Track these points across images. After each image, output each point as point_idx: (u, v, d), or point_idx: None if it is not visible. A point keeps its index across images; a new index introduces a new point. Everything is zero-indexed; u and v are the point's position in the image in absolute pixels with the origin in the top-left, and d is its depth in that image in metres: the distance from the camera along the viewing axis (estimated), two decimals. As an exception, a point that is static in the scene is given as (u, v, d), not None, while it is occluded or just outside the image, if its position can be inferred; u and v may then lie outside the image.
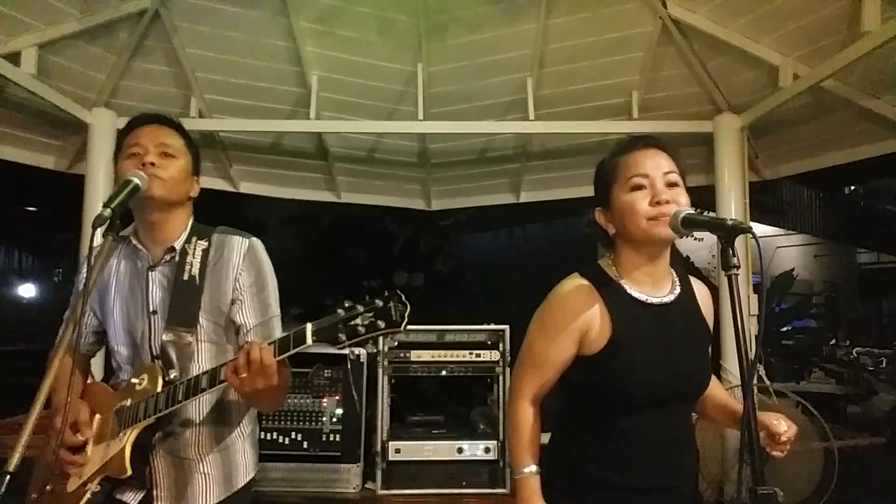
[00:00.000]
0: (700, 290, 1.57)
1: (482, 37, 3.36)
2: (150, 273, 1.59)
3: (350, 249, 8.95)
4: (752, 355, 1.39)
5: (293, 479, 2.77)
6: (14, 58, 2.97)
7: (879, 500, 3.94)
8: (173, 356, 1.53)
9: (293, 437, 2.82)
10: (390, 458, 2.78)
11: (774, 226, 10.75)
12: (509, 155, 4.23)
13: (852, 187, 13.81)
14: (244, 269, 1.58)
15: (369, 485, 2.81)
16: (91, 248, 1.51)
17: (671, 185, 1.40)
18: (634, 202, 1.39)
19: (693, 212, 1.53)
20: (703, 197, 3.97)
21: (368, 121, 3.83)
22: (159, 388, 1.47)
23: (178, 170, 1.59)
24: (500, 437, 2.81)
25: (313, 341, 1.31)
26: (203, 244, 1.60)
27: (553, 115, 3.71)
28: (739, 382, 1.47)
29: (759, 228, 8.21)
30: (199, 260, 1.57)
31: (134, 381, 1.52)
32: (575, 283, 1.46)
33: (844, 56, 2.61)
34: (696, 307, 1.54)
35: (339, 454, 2.80)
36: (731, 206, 3.42)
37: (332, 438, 2.82)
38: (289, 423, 2.83)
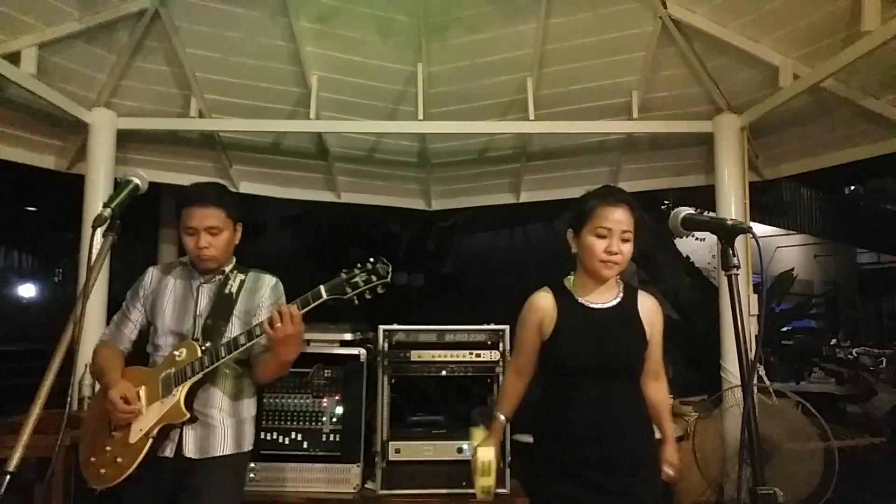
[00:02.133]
0: (645, 302, 1.96)
1: (482, 37, 3.36)
2: (200, 287, 2.10)
3: (350, 249, 8.94)
4: (752, 355, 1.39)
5: (293, 479, 2.78)
6: (14, 58, 2.97)
7: (879, 500, 3.94)
8: (208, 333, 2.02)
9: (293, 437, 2.82)
10: (390, 458, 2.78)
11: (774, 226, 10.74)
12: (509, 155, 4.23)
13: (852, 187, 13.79)
14: (269, 296, 2.14)
15: (369, 485, 2.81)
16: (91, 248, 1.52)
17: (624, 240, 1.85)
18: (595, 245, 1.85)
19: (693, 212, 1.55)
20: (704, 197, 3.98)
21: (368, 121, 3.83)
22: (199, 354, 1.95)
23: (223, 243, 2.06)
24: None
25: (327, 295, 1.88)
26: (241, 276, 2.14)
27: (553, 115, 3.71)
28: (739, 382, 1.47)
29: (759, 228, 8.21)
30: (236, 285, 2.12)
31: (175, 352, 1.99)
32: (540, 292, 1.98)
33: (844, 56, 2.61)
34: (634, 312, 1.93)
35: (339, 454, 2.80)
36: (731, 206, 3.42)
37: (332, 438, 2.82)
38: (289, 423, 2.83)
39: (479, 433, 2.05)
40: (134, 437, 1.93)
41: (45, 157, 3.83)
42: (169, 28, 3.22)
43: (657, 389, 2.02)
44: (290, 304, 1.88)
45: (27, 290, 13.57)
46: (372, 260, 1.91)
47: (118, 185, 1.62)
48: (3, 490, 1.13)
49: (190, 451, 1.97)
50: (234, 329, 2.05)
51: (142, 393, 1.98)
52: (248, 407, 2.13)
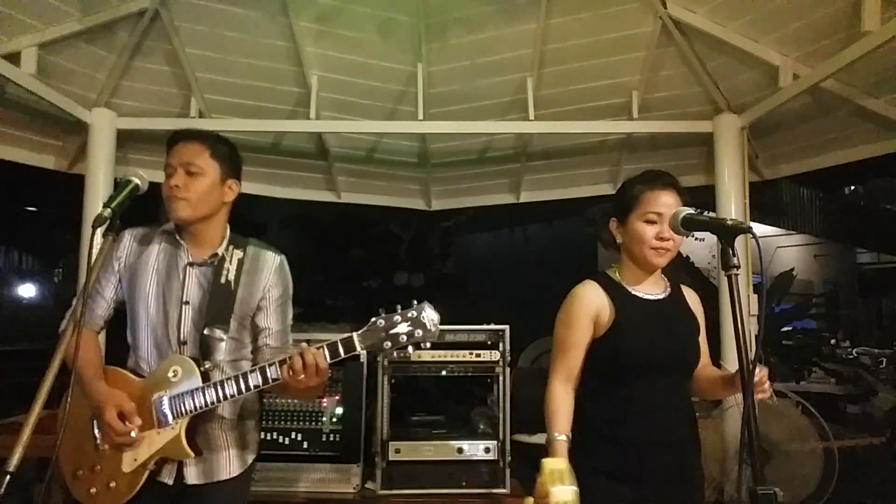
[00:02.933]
0: (689, 294, 1.92)
1: (482, 37, 3.36)
2: (188, 269, 1.77)
3: (350, 250, 8.95)
4: (752, 355, 1.39)
5: (293, 479, 2.77)
6: (14, 58, 2.97)
7: (879, 500, 3.94)
8: (206, 348, 1.72)
9: (293, 437, 2.81)
10: (390, 458, 2.77)
11: (774, 226, 10.73)
12: (509, 155, 4.23)
13: (852, 187, 13.80)
14: (274, 284, 1.82)
15: (369, 485, 2.81)
16: (91, 248, 1.51)
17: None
18: (645, 232, 1.75)
19: (693, 212, 1.55)
20: (703, 197, 3.98)
21: (368, 121, 3.83)
22: (200, 382, 1.66)
23: (201, 187, 1.74)
24: (500, 436, 2.81)
25: (361, 348, 1.54)
26: (239, 254, 1.81)
27: (553, 115, 3.71)
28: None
29: (759, 228, 8.21)
30: (234, 267, 1.78)
31: (169, 374, 1.68)
32: (586, 284, 1.83)
33: (844, 56, 2.61)
34: (685, 303, 1.88)
35: (339, 454, 2.80)
36: (731, 206, 3.41)
37: (332, 438, 2.82)
38: (289, 423, 2.83)
39: (551, 465, 1.64)
40: (128, 467, 1.67)
41: (45, 157, 3.83)
42: (169, 28, 3.22)
43: (710, 365, 1.91)
44: (319, 346, 1.57)
45: (27, 290, 13.58)
46: (418, 305, 1.55)
47: (118, 185, 1.61)
48: (2, 490, 1.13)
49: (192, 477, 1.74)
50: (231, 330, 1.77)
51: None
52: (250, 407, 1.88)
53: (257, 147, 4.10)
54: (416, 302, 1.56)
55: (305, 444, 2.81)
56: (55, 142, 3.78)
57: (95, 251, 1.48)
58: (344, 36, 3.34)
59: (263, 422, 2.76)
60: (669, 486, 1.72)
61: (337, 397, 2.85)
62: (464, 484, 2.76)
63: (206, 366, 1.71)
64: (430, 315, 1.54)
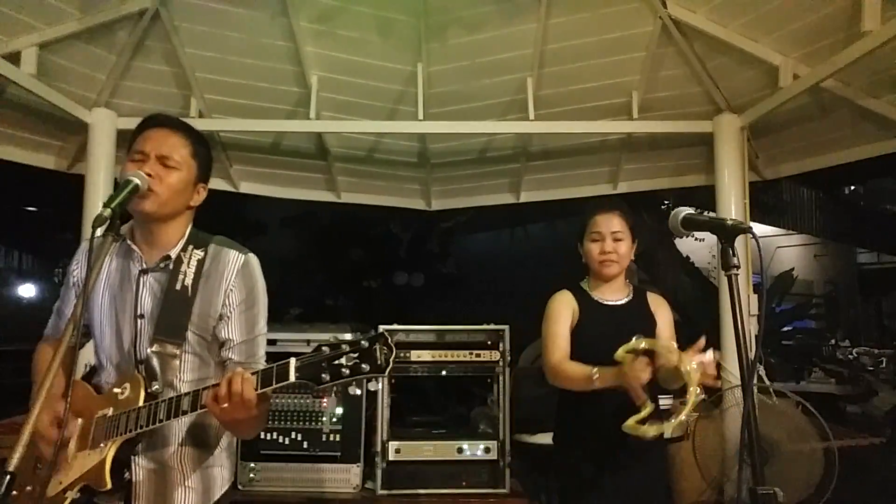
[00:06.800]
0: (653, 299, 2.26)
1: (482, 37, 3.36)
2: (142, 277, 1.57)
3: (350, 250, 8.95)
4: (752, 355, 1.39)
5: (293, 479, 2.78)
6: (14, 58, 2.97)
7: (879, 500, 3.94)
8: (157, 367, 1.51)
9: (293, 437, 2.82)
10: (390, 458, 2.78)
11: (774, 226, 10.74)
12: (509, 155, 4.23)
13: (852, 187, 13.81)
14: (235, 286, 1.57)
15: (369, 485, 2.81)
16: (91, 247, 1.45)
17: (616, 240, 2.17)
18: (591, 250, 2.19)
19: (693, 212, 1.55)
20: (703, 197, 3.98)
21: (368, 121, 3.83)
22: (141, 402, 1.46)
23: (174, 183, 1.54)
24: (500, 437, 2.81)
25: (296, 378, 1.32)
26: (199, 254, 1.58)
27: (553, 115, 3.71)
28: (739, 382, 1.47)
29: (759, 228, 8.21)
30: (193, 270, 1.56)
31: (116, 390, 1.50)
32: (560, 292, 2.24)
33: (844, 56, 2.61)
34: (645, 308, 2.22)
35: (339, 454, 2.81)
36: (731, 206, 3.42)
37: (332, 438, 2.82)
38: (289, 423, 2.83)
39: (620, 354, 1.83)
40: (52, 489, 1.46)
41: (45, 157, 3.83)
42: (169, 28, 3.22)
43: None
44: (254, 372, 1.36)
45: (27, 290, 13.59)
46: (372, 336, 1.33)
47: (118, 185, 1.55)
48: (3, 490, 1.13)
49: None
50: (188, 345, 1.55)
51: (76, 428, 1.51)
52: (220, 438, 1.64)
53: (257, 147, 4.10)
54: (373, 332, 1.39)
55: (305, 444, 2.82)
56: (55, 142, 3.77)
57: (95, 251, 1.47)
58: (344, 36, 3.34)
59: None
60: (628, 474, 2.03)
61: (337, 397, 2.86)
62: (464, 484, 2.77)
63: (155, 386, 1.49)
64: (382, 349, 1.32)
